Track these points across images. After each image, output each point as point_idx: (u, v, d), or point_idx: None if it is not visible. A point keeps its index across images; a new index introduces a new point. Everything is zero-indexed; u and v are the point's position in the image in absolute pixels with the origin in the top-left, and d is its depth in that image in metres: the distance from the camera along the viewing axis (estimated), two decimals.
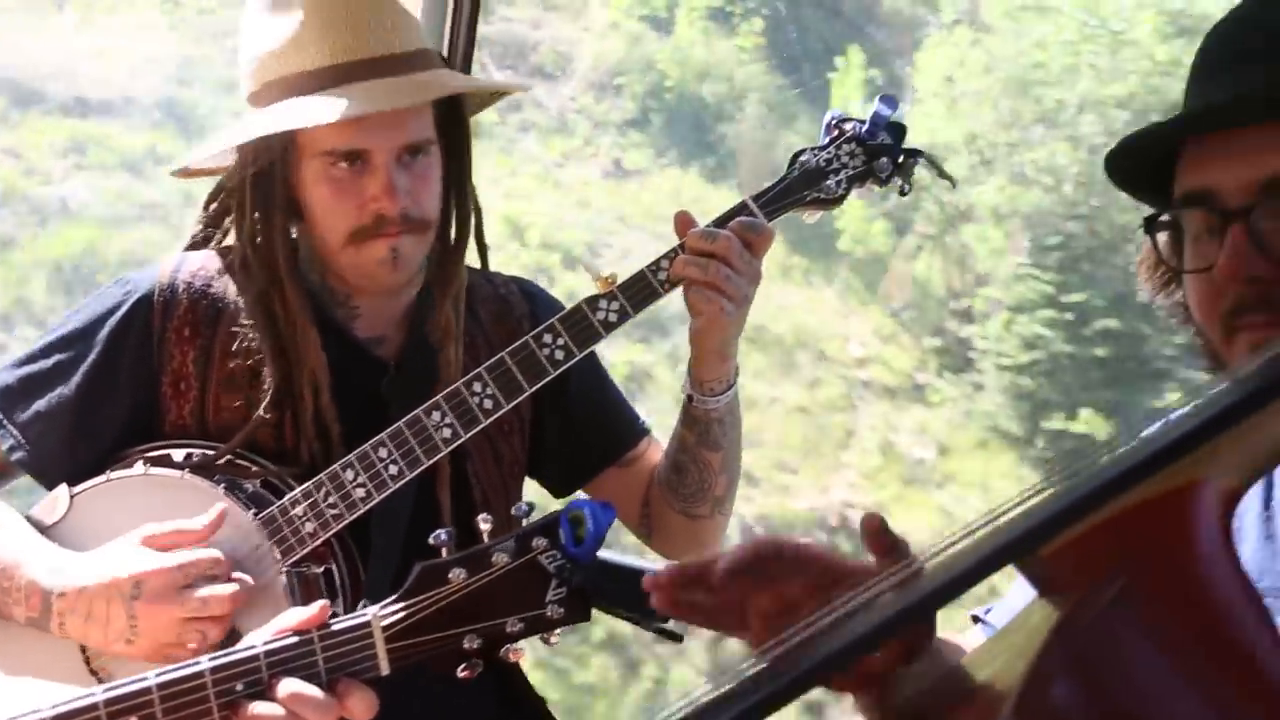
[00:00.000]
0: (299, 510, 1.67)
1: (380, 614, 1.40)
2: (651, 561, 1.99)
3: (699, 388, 1.75)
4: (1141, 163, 1.20)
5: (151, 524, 1.62)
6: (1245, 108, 1.11)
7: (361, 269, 1.75)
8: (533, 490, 1.98)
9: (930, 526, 5.76)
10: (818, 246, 6.50)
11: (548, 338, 1.71)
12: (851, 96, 6.39)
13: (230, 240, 1.84)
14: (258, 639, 1.44)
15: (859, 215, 6.36)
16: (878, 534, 1.04)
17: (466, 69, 2.34)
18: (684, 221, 1.71)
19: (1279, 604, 1.16)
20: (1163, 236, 1.19)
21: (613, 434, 1.93)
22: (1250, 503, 1.22)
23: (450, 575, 1.34)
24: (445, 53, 2.25)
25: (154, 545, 1.61)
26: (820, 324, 6.44)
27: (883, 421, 6.29)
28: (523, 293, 1.93)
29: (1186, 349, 1.20)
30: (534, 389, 1.71)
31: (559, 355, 1.71)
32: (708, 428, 1.77)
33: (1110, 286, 6.17)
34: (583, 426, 1.91)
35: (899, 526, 1.06)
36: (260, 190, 1.74)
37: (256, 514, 1.67)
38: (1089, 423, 6.00)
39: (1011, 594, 1.34)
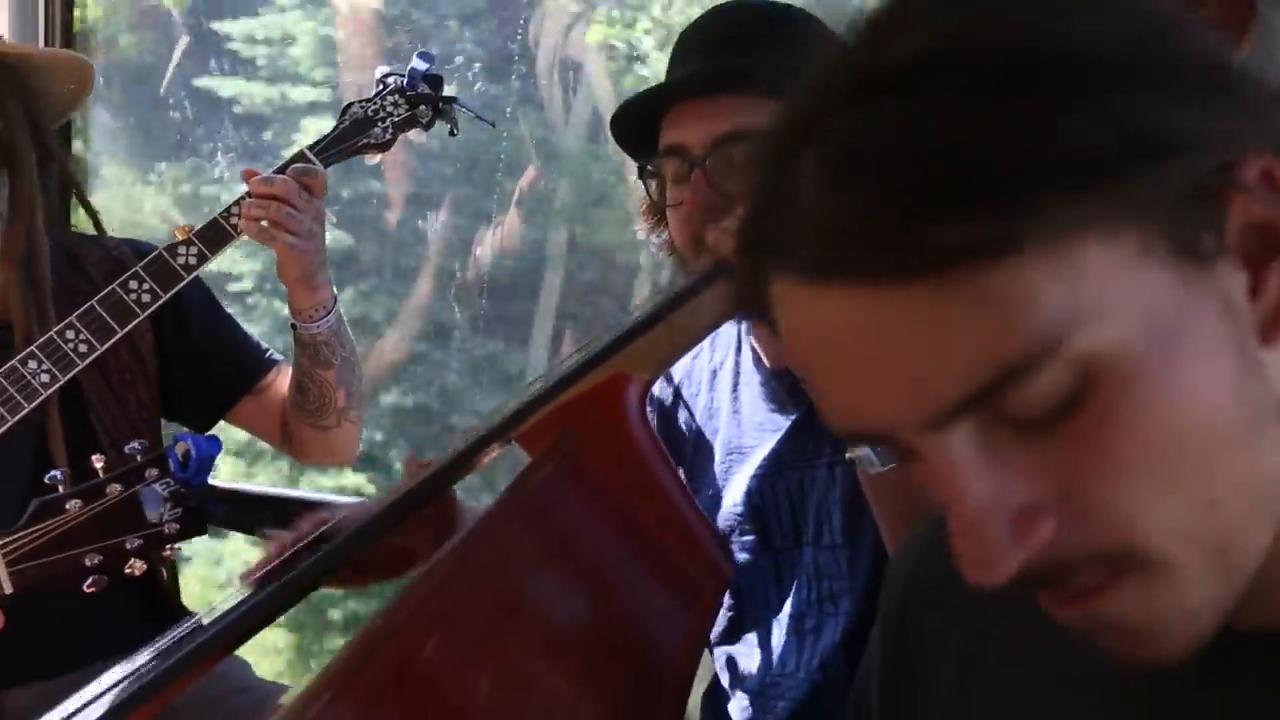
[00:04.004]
0: None
1: (1, 542, 1.58)
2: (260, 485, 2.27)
3: (298, 316, 1.96)
4: (635, 124, 1.53)
5: None
6: (704, 83, 1.46)
7: None
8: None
9: None
10: None
11: (133, 284, 1.88)
12: None
13: None
14: None
15: None
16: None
17: None
18: (248, 172, 1.92)
19: (740, 459, 1.56)
20: (653, 184, 1.53)
21: (242, 367, 2.11)
22: (724, 389, 1.60)
23: (67, 506, 1.54)
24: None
25: None
26: None
27: None
28: (136, 253, 2.03)
29: None
30: (126, 330, 1.88)
31: (145, 298, 1.88)
32: (317, 350, 1.98)
33: None
34: (211, 364, 2.07)
35: None
36: None
37: None
38: None
39: None
